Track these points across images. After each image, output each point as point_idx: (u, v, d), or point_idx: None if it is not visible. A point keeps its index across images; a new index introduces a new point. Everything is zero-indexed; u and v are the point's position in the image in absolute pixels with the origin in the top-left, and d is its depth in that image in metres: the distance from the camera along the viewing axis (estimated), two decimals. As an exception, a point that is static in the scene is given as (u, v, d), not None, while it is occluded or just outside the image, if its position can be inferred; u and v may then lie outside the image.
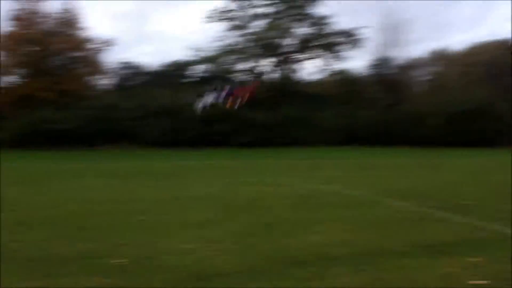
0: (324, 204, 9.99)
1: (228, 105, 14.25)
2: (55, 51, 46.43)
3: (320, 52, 50.41)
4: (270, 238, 6.72)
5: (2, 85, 46.88)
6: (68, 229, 7.36)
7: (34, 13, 46.54)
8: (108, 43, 47.48)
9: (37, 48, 45.88)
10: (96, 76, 49.10)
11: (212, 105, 14.81)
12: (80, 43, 47.05)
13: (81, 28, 47.55)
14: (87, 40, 47.45)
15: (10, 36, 45.54)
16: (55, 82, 45.05)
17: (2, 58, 45.97)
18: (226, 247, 6.20)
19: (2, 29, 45.78)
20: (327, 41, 49.53)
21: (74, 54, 47.24)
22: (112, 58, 59.90)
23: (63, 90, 44.84)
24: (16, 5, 46.10)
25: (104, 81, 50.16)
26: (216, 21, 49.44)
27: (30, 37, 45.48)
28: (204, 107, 14.00)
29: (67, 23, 47.22)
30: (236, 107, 13.96)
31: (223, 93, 14.61)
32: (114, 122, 43.71)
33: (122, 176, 17.47)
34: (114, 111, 43.95)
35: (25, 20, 46.10)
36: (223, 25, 50.33)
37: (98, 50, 47.66)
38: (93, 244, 6.35)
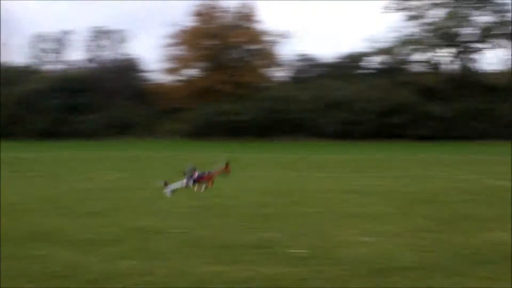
0: (507, 201, 9.52)
1: (195, 190, 14.56)
2: (232, 44, 48.11)
3: (502, 41, 47.73)
4: (450, 234, 6.55)
5: (183, 78, 49.47)
6: (249, 218, 7.65)
7: (213, 8, 48.56)
8: (283, 35, 48.41)
9: (216, 42, 47.80)
10: (272, 68, 50.35)
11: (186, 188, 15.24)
12: (256, 36, 48.44)
13: (258, 22, 49.05)
14: (263, 33, 48.77)
15: (192, 31, 47.91)
16: (232, 74, 46.74)
17: (183, 52, 48.49)
18: (405, 242, 6.12)
19: (183, 24, 48.34)
20: (510, 29, 46.75)
21: (250, 47, 48.77)
22: (288, 50, 61.03)
23: (240, 82, 46.39)
24: (196, 1, 48.52)
25: (279, 73, 51.23)
26: (393, 11, 48.61)
27: (210, 32, 47.55)
28: (173, 192, 14.29)
29: (244, 17, 48.79)
30: (202, 191, 14.22)
31: (192, 179, 14.90)
32: (290, 114, 44.38)
33: (297, 168, 18.00)
34: (290, 103, 44.61)
35: (206, 15, 48.24)
36: (400, 15, 49.80)
37: (274, 43, 48.86)
38: (273, 233, 6.53)
